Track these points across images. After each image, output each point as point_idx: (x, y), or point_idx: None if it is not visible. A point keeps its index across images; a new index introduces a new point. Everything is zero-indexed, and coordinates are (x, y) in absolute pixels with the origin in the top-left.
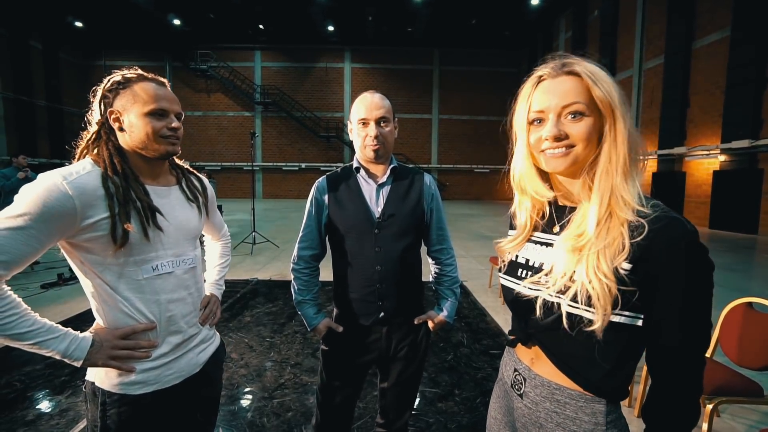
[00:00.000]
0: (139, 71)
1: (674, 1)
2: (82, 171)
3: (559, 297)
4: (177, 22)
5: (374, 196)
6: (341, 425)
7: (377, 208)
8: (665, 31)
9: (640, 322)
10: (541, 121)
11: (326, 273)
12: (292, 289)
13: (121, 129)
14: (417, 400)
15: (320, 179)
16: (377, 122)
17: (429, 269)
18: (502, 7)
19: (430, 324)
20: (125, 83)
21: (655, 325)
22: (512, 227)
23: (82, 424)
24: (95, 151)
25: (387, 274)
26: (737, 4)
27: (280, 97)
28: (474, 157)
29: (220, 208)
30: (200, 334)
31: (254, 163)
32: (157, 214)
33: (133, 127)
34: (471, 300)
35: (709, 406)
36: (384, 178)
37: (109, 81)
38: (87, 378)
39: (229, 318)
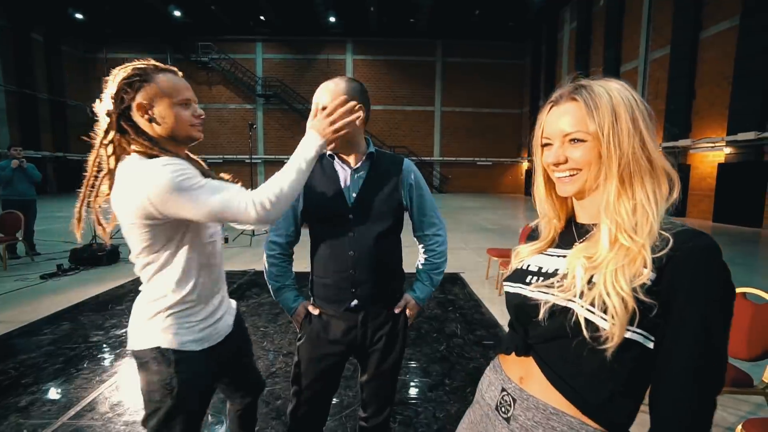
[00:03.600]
0: (152, 62)
1: None
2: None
3: (573, 301)
4: (178, 13)
5: (349, 182)
6: (315, 417)
7: (351, 194)
8: (672, 20)
9: (651, 345)
10: (549, 145)
11: (299, 264)
12: (267, 277)
13: (151, 120)
14: (413, 390)
15: None
16: None
17: (414, 259)
18: None
19: (408, 312)
20: (145, 76)
21: (666, 345)
22: (531, 238)
23: (73, 411)
24: (132, 146)
25: (361, 260)
26: None
27: (281, 89)
28: (477, 150)
29: None
30: (226, 297)
31: (255, 156)
32: None
33: (164, 117)
34: (467, 291)
35: None
36: (359, 164)
37: (125, 74)
38: (146, 347)
39: None
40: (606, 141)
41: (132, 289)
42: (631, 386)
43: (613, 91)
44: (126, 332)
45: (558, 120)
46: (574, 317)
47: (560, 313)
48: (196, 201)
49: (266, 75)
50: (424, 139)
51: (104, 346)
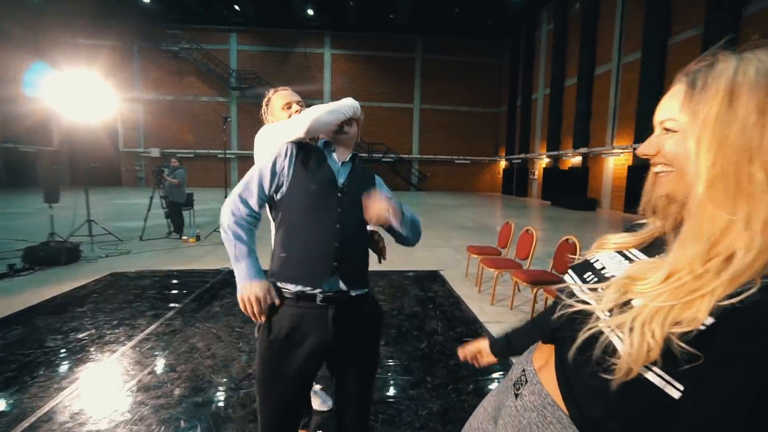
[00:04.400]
0: (275, 88)
1: None
2: None
3: (602, 314)
4: None
5: (338, 169)
6: (289, 427)
7: (340, 178)
8: (642, 26)
9: (677, 395)
10: None
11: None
12: (231, 243)
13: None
14: (394, 388)
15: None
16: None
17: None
18: None
19: (384, 207)
20: (270, 98)
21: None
22: (630, 229)
23: (27, 423)
24: None
25: (346, 237)
26: (710, 2)
27: (257, 82)
28: (455, 148)
29: (191, 196)
30: None
31: (229, 151)
32: None
33: (276, 118)
34: (447, 288)
35: None
36: (345, 159)
37: (266, 98)
38: None
39: (196, 308)
40: (697, 129)
41: (95, 290)
42: (633, 425)
43: (749, 64)
44: (88, 335)
45: (661, 103)
46: (595, 330)
47: (585, 319)
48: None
49: (240, 67)
50: (403, 137)
51: (63, 351)
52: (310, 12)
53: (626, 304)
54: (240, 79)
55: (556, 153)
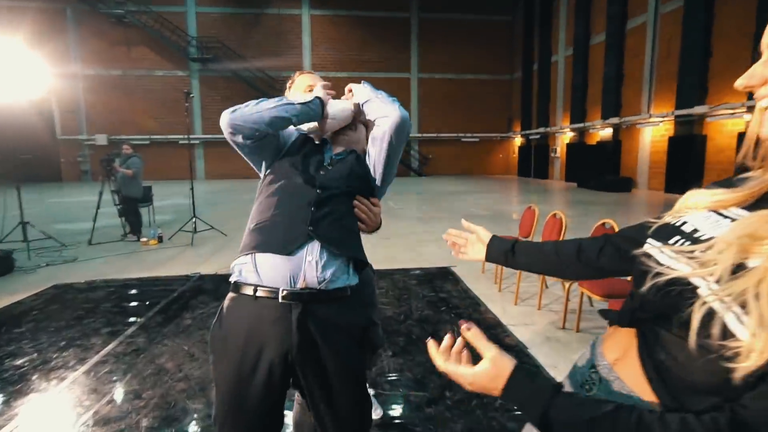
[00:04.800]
0: (300, 72)
1: None
2: None
3: (704, 282)
4: None
5: (330, 156)
6: None
7: (328, 157)
8: None
9: None
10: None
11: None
12: (263, 107)
13: None
14: (408, 407)
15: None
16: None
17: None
18: None
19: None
20: (294, 80)
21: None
22: (724, 184)
23: None
24: None
25: (325, 203)
26: None
27: (222, 52)
28: (461, 124)
29: (149, 190)
30: None
31: (192, 136)
32: None
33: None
34: (462, 287)
35: None
36: (339, 150)
37: (289, 82)
38: None
39: (162, 322)
40: None
41: (34, 306)
42: None
43: None
44: (29, 360)
45: None
46: (697, 303)
47: (682, 290)
48: None
49: (201, 34)
50: None
51: None
52: None
53: (739, 269)
54: (202, 48)
55: (581, 125)
